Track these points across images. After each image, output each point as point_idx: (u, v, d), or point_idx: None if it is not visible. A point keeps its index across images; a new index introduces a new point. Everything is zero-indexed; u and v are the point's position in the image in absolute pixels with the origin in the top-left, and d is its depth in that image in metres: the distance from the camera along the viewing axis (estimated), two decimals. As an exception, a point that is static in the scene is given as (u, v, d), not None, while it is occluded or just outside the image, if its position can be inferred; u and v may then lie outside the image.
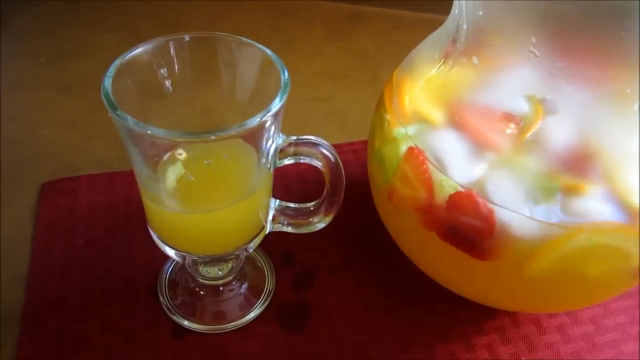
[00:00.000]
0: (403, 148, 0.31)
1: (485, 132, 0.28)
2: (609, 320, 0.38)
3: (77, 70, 0.56)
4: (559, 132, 0.27)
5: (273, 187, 0.34)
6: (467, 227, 0.28)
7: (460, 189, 0.28)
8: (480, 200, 0.28)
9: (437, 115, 0.30)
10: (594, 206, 0.27)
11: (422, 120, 0.31)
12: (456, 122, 0.30)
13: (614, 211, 0.27)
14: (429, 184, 0.29)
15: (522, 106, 0.28)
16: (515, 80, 0.28)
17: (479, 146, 0.28)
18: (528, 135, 0.27)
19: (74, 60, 0.57)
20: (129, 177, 0.44)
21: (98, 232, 0.40)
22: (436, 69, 0.31)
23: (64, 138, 0.49)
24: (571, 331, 0.37)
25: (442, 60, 0.31)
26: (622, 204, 0.27)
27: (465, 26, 0.29)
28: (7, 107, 0.51)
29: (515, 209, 0.27)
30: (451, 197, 0.28)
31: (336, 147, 0.49)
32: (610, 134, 0.27)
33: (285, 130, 0.49)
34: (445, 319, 0.37)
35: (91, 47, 0.59)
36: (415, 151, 0.30)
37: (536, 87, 0.28)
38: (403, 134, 0.31)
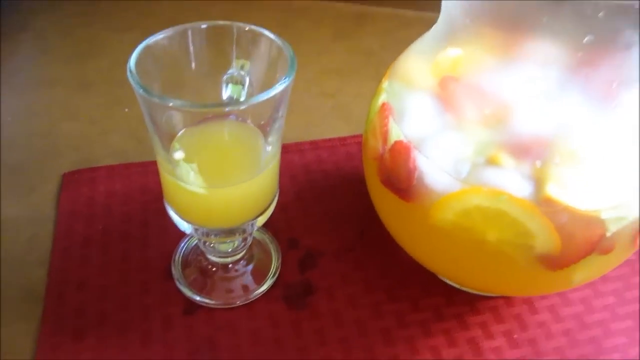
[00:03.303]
0: (380, 101, 0.34)
1: (458, 101, 0.31)
2: (599, 301, 0.40)
3: (96, 69, 0.59)
4: (536, 116, 0.29)
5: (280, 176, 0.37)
6: (398, 172, 0.32)
7: (402, 139, 0.31)
8: (411, 149, 0.31)
9: (422, 77, 0.33)
10: (504, 177, 0.29)
11: (407, 79, 0.34)
12: (436, 88, 0.32)
13: (524, 189, 0.29)
14: (385, 135, 0.33)
15: (516, 88, 0.30)
16: (510, 69, 0.30)
17: (448, 110, 0.31)
18: (502, 113, 0.30)
19: (92, 59, 0.60)
20: (144, 168, 0.47)
21: (115, 218, 0.43)
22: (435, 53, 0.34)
23: (83, 132, 0.51)
24: (562, 311, 0.39)
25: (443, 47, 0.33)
26: (539, 189, 0.28)
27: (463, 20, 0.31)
28: (31, 103, 0.54)
29: (441, 164, 0.30)
30: (393, 144, 0.32)
31: (341, 139, 0.52)
32: (583, 131, 0.29)
33: (291, 123, 0.51)
34: (441, 299, 0.39)
35: (109, 47, 0.62)
36: (385, 106, 0.33)
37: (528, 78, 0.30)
38: (385, 87, 0.35)
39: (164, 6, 0.69)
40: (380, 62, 0.62)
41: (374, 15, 0.69)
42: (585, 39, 0.26)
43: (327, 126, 0.54)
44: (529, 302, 0.39)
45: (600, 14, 0.24)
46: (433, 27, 0.34)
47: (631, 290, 0.41)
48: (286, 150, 0.49)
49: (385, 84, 0.35)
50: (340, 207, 0.45)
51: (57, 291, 0.38)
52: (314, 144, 0.51)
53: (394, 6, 0.70)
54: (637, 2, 0.24)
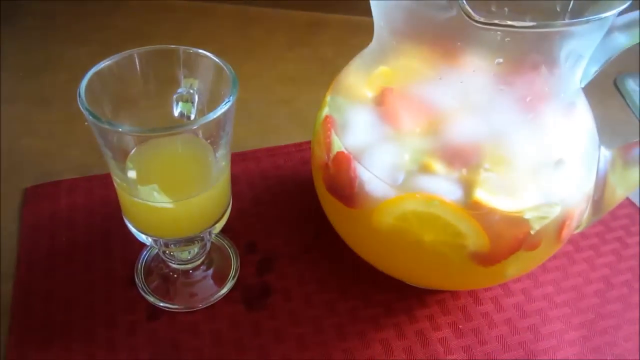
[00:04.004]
0: (324, 114, 0.37)
1: (393, 113, 0.33)
2: (538, 291, 0.43)
3: (54, 83, 0.60)
4: (463, 126, 0.32)
5: (236, 183, 0.39)
6: (341, 181, 0.35)
7: (343, 149, 0.34)
8: (352, 160, 0.33)
9: (360, 92, 0.35)
10: (436, 183, 0.31)
11: (347, 94, 0.37)
12: (373, 102, 0.34)
13: (454, 193, 0.31)
14: (328, 147, 0.35)
15: (443, 102, 0.33)
16: (438, 83, 0.33)
17: (384, 121, 0.33)
18: (433, 124, 0.32)
19: (50, 74, 0.61)
20: (105, 180, 0.48)
21: (78, 231, 0.44)
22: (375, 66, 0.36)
23: (44, 147, 0.53)
24: (504, 301, 0.42)
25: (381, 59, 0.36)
26: (467, 193, 0.31)
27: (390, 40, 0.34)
28: (-10, 120, 0.55)
29: (378, 173, 0.33)
30: (335, 155, 0.35)
31: (296, 145, 0.54)
32: (506, 138, 0.32)
33: (248, 130, 0.53)
34: (391, 295, 0.42)
35: (67, 61, 0.63)
36: (328, 119, 0.36)
37: (459, 90, 0.32)
38: (327, 101, 0.37)
39: (121, 19, 0.70)
40: (335, 68, 0.64)
41: (328, 23, 0.72)
42: (496, 61, 0.29)
43: (283, 133, 0.56)
44: (473, 294, 0.42)
45: (507, 39, 0.27)
46: (369, 46, 0.36)
47: (568, 279, 0.44)
48: (243, 157, 0.51)
49: (328, 98, 0.38)
50: (296, 211, 0.47)
51: (24, 303, 0.40)
52: (270, 151, 0.53)
53: (346, 13, 0.73)
54: (540, 29, 0.27)
